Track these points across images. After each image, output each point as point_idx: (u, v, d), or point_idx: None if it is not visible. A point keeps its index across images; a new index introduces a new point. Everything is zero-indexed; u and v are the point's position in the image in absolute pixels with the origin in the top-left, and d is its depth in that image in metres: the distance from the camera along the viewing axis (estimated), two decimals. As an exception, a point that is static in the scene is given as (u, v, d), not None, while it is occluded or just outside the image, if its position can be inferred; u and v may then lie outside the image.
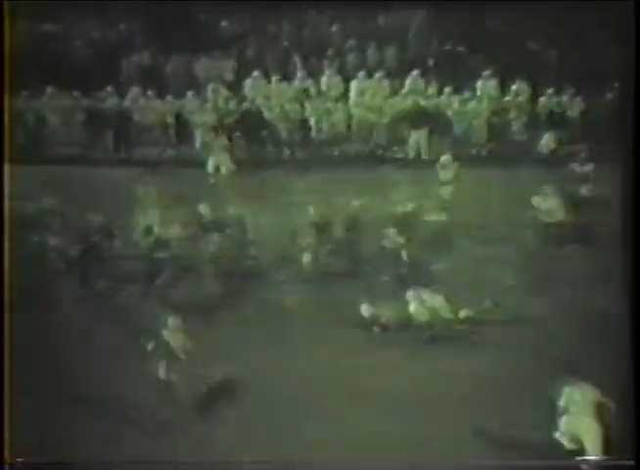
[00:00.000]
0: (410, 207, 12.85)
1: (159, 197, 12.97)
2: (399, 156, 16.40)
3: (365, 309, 10.87)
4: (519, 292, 11.70)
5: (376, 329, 10.79)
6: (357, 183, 14.54)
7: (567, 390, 8.22)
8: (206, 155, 15.17)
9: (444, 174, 13.76)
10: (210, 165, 14.92)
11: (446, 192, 13.51)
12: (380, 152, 16.55)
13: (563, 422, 8.21)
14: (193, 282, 11.86)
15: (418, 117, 16.17)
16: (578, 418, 8.12)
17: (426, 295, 10.83)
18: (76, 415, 9.10)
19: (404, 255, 11.73)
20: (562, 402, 8.16)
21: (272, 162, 16.08)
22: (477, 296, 11.23)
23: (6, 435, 8.44)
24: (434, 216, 13.14)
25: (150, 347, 9.28)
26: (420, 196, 13.40)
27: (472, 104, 16.44)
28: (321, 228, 12.44)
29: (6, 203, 10.68)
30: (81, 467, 8.43)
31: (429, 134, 16.12)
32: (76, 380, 9.63)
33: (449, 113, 16.38)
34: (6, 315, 9.40)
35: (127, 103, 16.26)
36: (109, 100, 16.13)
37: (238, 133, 16.12)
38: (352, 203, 13.11)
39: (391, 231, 12.12)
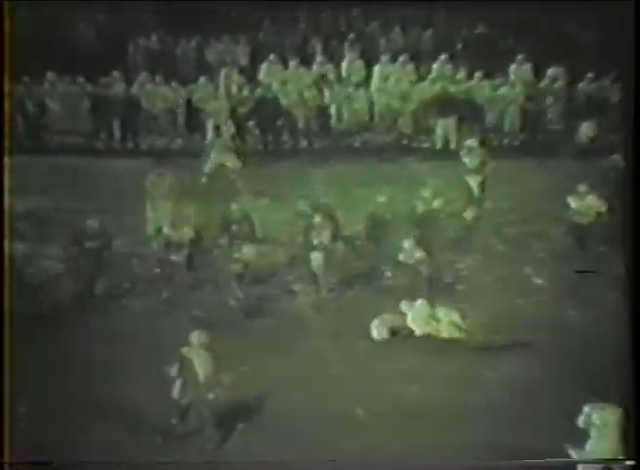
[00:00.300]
0: (435, 204, 12.45)
1: (167, 191, 12.80)
2: (426, 146, 16.29)
3: (376, 330, 10.68)
4: (549, 294, 11.61)
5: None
6: (380, 176, 14.39)
7: (586, 410, 8.04)
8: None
9: (470, 161, 13.19)
10: (208, 165, 14.36)
11: (474, 183, 13.17)
12: (405, 142, 16.40)
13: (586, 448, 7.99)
14: (200, 285, 11.74)
15: (446, 105, 16.02)
16: (598, 444, 7.86)
17: (441, 312, 10.64)
18: (77, 415, 9.18)
19: (424, 271, 11.40)
20: (581, 423, 8.00)
21: (288, 152, 15.97)
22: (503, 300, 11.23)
23: (6, 435, 8.51)
24: (461, 212, 12.92)
25: (171, 369, 8.98)
26: (446, 190, 13.17)
27: (504, 90, 16.27)
28: (337, 226, 12.30)
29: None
30: (81, 467, 8.53)
31: (457, 123, 15.97)
32: (77, 380, 9.69)
33: (480, 99, 16.21)
34: (6, 315, 9.44)
35: (134, 90, 16.12)
36: (115, 86, 15.98)
37: (251, 122, 16.11)
38: (374, 198, 12.83)
39: (409, 244, 11.62)
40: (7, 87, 12.98)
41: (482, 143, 13.72)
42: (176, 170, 13.09)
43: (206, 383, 8.90)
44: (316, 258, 11.59)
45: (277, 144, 16.26)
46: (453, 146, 15.68)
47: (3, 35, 10.40)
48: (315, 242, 11.66)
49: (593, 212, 12.32)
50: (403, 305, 10.76)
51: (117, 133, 16.19)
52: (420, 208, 12.40)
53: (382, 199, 12.60)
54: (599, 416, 7.73)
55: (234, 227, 12.13)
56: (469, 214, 12.90)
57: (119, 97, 16.00)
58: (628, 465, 7.94)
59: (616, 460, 7.83)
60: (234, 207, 12.38)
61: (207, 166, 14.39)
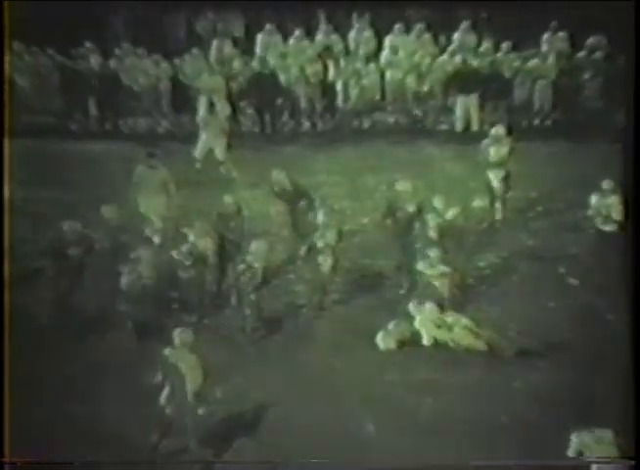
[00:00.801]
0: (449, 215, 11.89)
1: (159, 185, 12.50)
2: (444, 128, 16.30)
3: (382, 342, 10.76)
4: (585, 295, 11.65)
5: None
6: (392, 162, 14.47)
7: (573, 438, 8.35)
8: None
9: (495, 153, 12.92)
10: (199, 150, 14.36)
11: (496, 179, 12.87)
12: (420, 124, 16.44)
13: None
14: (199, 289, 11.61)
15: (468, 80, 15.96)
16: None
17: (450, 318, 10.70)
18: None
19: (447, 288, 11.21)
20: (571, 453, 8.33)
21: (288, 135, 16.01)
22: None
23: (6, 435, 9.10)
24: (482, 205, 12.95)
25: (157, 378, 9.15)
26: (467, 178, 13.14)
27: (535, 62, 16.13)
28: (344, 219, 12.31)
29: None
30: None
31: (480, 101, 15.97)
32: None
33: (507, 74, 16.14)
34: (6, 314, 9.84)
35: (113, 63, 16.07)
36: (91, 59, 15.91)
37: (246, 101, 16.11)
38: (391, 187, 12.75)
39: (434, 253, 11.32)
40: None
41: (509, 131, 13.37)
42: (165, 158, 13.08)
43: (197, 395, 8.98)
44: (322, 260, 11.36)
45: (276, 126, 16.24)
46: (475, 128, 15.71)
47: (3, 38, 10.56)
48: (320, 244, 11.33)
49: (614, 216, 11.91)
50: (411, 307, 10.81)
51: (94, 113, 16.13)
52: (432, 222, 11.81)
53: (401, 188, 12.16)
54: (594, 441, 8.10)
55: (231, 223, 11.79)
56: (491, 216, 12.93)
57: (96, 72, 15.89)
58: (628, 465, 8.36)
59: (616, 460, 8.09)
60: (227, 199, 12.04)
61: (198, 151, 14.33)
